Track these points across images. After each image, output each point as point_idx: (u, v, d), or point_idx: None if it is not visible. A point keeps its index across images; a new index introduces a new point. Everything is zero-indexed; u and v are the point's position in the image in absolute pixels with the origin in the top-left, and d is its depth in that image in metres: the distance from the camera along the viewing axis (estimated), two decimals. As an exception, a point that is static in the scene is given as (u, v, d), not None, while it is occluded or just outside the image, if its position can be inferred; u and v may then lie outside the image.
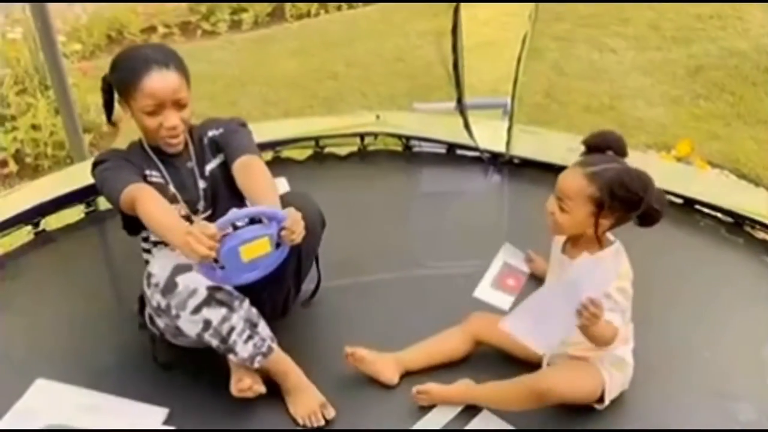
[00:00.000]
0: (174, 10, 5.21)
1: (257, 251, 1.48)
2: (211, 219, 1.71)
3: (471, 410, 1.68)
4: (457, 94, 2.58)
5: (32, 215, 2.33)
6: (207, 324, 1.57)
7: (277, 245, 1.52)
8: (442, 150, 2.75)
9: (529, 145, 2.67)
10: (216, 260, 1.47)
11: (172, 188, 1.74)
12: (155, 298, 1.58)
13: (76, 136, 2.79)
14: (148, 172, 1.73)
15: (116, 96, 1.73)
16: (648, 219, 1.60)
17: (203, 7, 5.21)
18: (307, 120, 3.22)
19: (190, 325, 1.58)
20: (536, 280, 2.08)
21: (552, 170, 2.59)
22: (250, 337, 1.62)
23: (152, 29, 5.03)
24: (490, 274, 2.11)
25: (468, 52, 2.58)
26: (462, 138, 2.69)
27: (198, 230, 1.42)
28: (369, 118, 2.86)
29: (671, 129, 3.81)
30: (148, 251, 1.83)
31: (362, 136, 2.77)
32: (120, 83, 1.68)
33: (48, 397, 1.73)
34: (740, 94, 4.14)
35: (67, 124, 2.77)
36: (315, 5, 5.49)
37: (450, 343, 1.79)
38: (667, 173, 2.64)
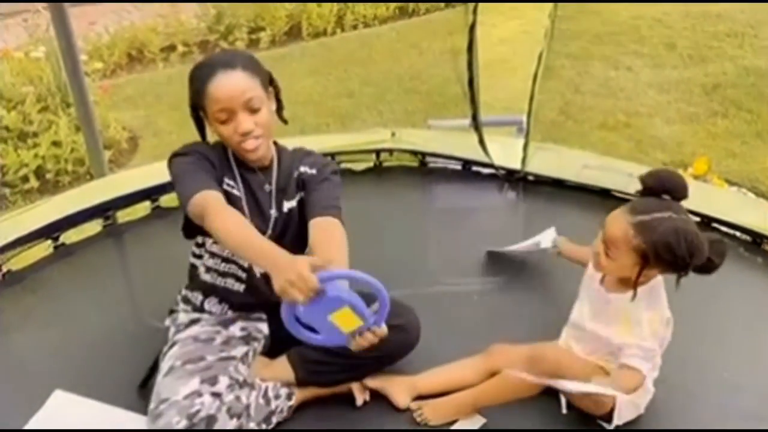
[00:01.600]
0: (193, 29, 5.30)
1: (344, 323, 1.34)
2: None
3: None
4: (472, 110, 2.60)
5: (51, 231, 2.36)
6: None
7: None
8: (458, 166, 2.76)
9: (544, 162, 2.68)
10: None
11: (245, 206, 1.63)
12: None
13: (97, 153, 2.84)
14: (226, 180, 1.62)
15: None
16: (703, 269, 1.53)
17: (222, 26, 5.30)
18: (323, 137, 3.25)
19: None
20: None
21: (567, 187, 2.60)
22: (268, 425, 1.62)
23: (172, 48, 5.12)
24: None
25: (483, 70, 2.59)
26: (477, 155, 2.69)
27: (301, 278, 1.27)
28: (385, 135, 2.88)
29: (688, 147, 3.80)
30: (199, 257, 1.72)
31: (378, 152, 2.79)
32: (194, 96, 1.58)
33: (66, 410, 1.74)
34: (757, 112, 4.12)
35: (88, 141, 2.82)
36: (331, 24, 5.56)
37: (467, 371, 1.74)
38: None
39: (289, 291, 1.28)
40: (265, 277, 1.66)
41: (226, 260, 1.68)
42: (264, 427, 1.62)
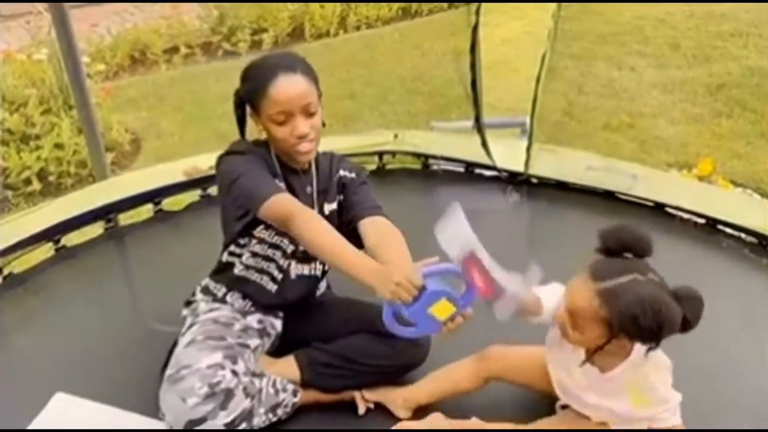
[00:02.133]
0: (196, 31, 5.30)
1: (440, 312, 1.40)
2: (308, 254, 1.67)
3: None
4: (474, 112, 2.59)
5: (53, 233, 2.36)
6: None
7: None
8: (461, 169, 2.75)
9: (547, 164, 2.66)
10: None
11: None
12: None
13: (99, 155, 2.83)
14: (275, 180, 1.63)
15: (248, 110, 1.64)
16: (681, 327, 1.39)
17: (224, 28, 5.30)
18: (326, 139, 3.21)
19: None
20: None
21: (571, 190, 2.59)
22: (274, 416, 1.64)
23: (175, 50, 5.12)
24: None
25: (486, 71, 2.58)
26: (480, 157, 2.68)
27: (406, 280, 1.35)
28: (387, 136, 2.87)
29: (692, 147, 3.77)
30: (238, 255, 1.71)
31: (381, 154, 2.78)
32: (249, 94, 1.60)
33: (67, 412, 1.74)
34: (762, 112, 4.09)
35: (89, 143, 2.81)
36: (334, 25, 5.55)
37: (461, 375, 1.69)
38: (689, 192, 2.62)
39: (399, 293, 1.35)
40: (299, 277, 1.73)
41: (266, 258, 1.70)
42: (270, 416, 1.63)
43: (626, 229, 1.42)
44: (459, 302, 1.41)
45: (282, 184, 1.63)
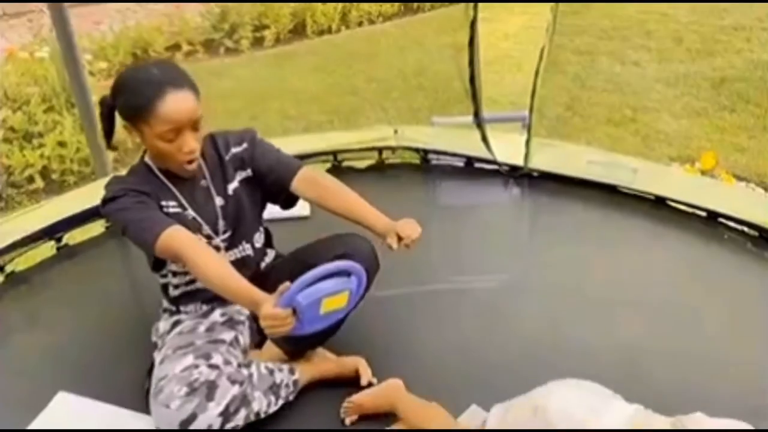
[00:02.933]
0: (197, 28, 5.30)
1: (336, 304, 1.45)
2: (231, 239, 1.70)
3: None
4: (474, 107, 2.58)
5: (54, 231, 2.36)
6: (236, 426, 1.56)
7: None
8: (461, 163, 2.75)
9: (548, 158, 2.66)
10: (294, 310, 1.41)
11: (191, 212, 1.65)
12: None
13: (100, 153, 2.83)
14: (164, 203, 1.63)
15: (120, 120, 1.60)
16: None
17: (226, 25, 5.30)
18: (326, 135, 3.23)
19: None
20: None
21: (571, 183, 2.59)
22: (277, 398, 1.64)
23: (176, 47, 5.12)
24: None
25: (489, 66, 2.58)
26: (480, 151, 2.68)
27: (271, 317, 1.38)
28: (387, 132, 2.87)
29: (695, 141, 3.76)
30: (165, 276, 1.75)
31: (380, 150, 2.78)
32: (129, 108, 1.54)
33: (69, 411, 1.74)
34: (766, 106, 4.07)
35: (91, 141, 2.82)
36: (336, 21, 5.55)
37: None
38: (691, 186, 2.61)
39: (275, 332, 1.40)
40: (233, 263, 1.68)
41: (192, 281, 1.72)
42: (272, 399, 1.63)
43: None
44: (346, 285, 1.45)
45: (171, 199, 1.63)
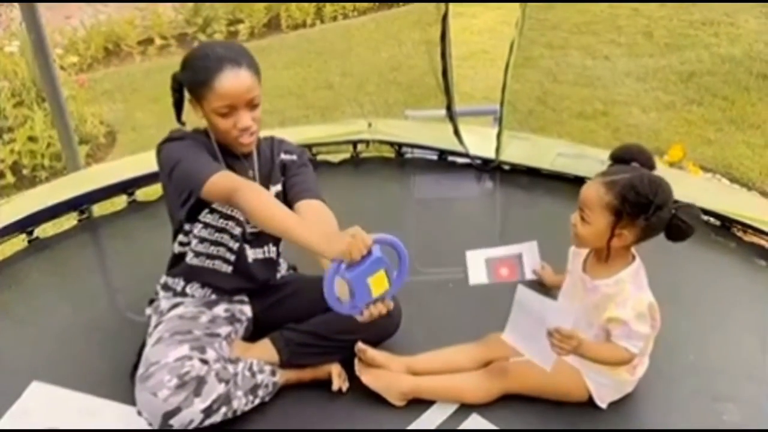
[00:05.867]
0: (171, 22, 5.26)
1: (376, 286, 1.42)
2: (258, 237, 1.73)
3: (464, 410, 1.69)
4: (446, 101, 2.61)
5: (26, 224, 2.35)
6: (214, 423, 1.59)
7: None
8: (434, 157, 2.78)
9: (519, 151, 2.70)
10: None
11: None
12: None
13: (71, 148, 2.81)
14: None
15: (186, 95, 1.64)
16: (675, 232, 1.54)
17: (200, 19, 5.27)
18: (301, 128, 3.24)
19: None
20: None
21: (542, 175, 2.63)
22: (255, 397, 1.67)
23: (149, 41, 5.08)
24: (483, 261, 2.10)
25: (462, 61, 2.61)
26: (453, 144, 2.71)
27: (360, 240, 1.36)
28: (361, 125, 2.89)
29: (664, 134, 3.83)
30: (187, 243, 1.72)
31: (355, 143, 2.80)
32: (192, 83, 1.59)
33: (43, 400, 1.75)
34: (732, 99, 4.16)
35: (62, 136, 2.80)
36: (310, 15, 5.54)
37: (461, 357, 1.76)
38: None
39: (352, 247, 1.34)
40: (255, 262, 1.75)
41: (215, 243, 1.71)
42: (251, 398, 1.66)
43: (634, 144, 1.66)
44: (393, 280, 1.43)
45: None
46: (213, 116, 1.58)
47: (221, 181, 1.51)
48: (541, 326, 1.53)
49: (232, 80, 1.54)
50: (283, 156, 1.76)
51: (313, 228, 1.45)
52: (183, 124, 1.72)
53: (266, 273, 1.81)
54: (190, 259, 1.73)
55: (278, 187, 1.74)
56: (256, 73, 1.60)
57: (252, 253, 1.75)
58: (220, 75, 1.53)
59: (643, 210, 1.51)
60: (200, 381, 1.55)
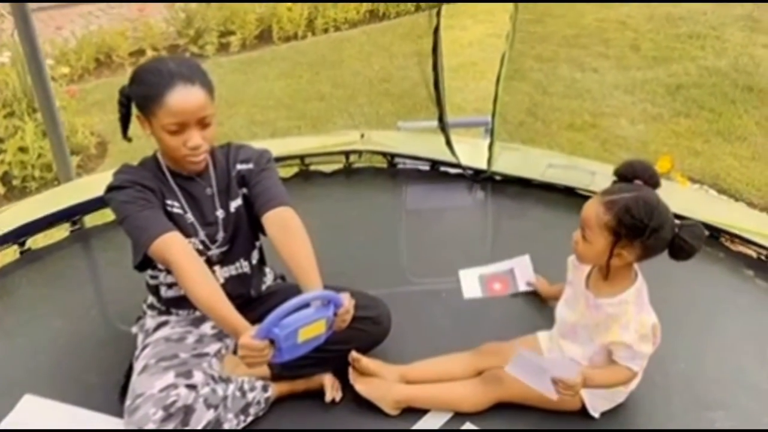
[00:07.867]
0: (162, 33, 5.27)
1: (313, 332, 1.47)
2: (227, 255, 1.70)
3: (458, 418, 1.69)
4: (438, 112, 2.63)
5: (18, 235, 2.34)
6: None
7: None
8: (426, 167, 2.79)
9: (510, 162, 2.72)
10: (272, 341, 1.44)
11: (190, 217, 1.64)
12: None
13: (63, 159, 2.80)
14: (168, 201, 1.62)
15: (134, 110, 1.59)
16: (678, 251, 1.52)
17: (191, 30, 5.28)
18: (293, 139, 3.26)
19: None
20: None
21: (533, 186, 2.65)
22: (246, 416, 1.65)
23: (141, 52, 5.09)
24: (477, 278, 2.16)
25: (454, 73, 2.63)
26: (445, 155, 2.73)
27: (247, 347, 1.41)
28: (354, 136, 2.90)
29: (652, 146, 3.89)
30: (156, 277, 1.72)
31: (347, 154, 2.81)
32: (141, 98, 1.54)
33: (35, 413, 1.73)
34: (719, 111, 4.23)
35: (54, 147, 2.79)
36: (302, 28, 5.57)
37: (455, 366, 1.77)
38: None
39: (251, 362, 1.44)
40: (229, 280, 1.72)
41: None
42: (242, 418, 1.64)
43: (638, 161, 1.62)
44: (323, 315, 1.48)
45: (175, 200, 1.63)
46: (162, 133, 1.53)
47: (160, 248, 1.52)
48: (544, 372, 1.56)
49: (184, 97, 1.49)
50: (239, 167, 1.70)
51: (232, 321, 1.48)
52: (129, 140, 1.69)
53: (242, 288, 1.75)
54: (164, 292, 1.72)
55: (238, 202, 1.70)
56: (210, 91, 1.56)
57: (223, 272, 1.71)
58: (172, 91, 1.49)
59: (639, 233, 1.50)
60: (187, 410, 1.52)
